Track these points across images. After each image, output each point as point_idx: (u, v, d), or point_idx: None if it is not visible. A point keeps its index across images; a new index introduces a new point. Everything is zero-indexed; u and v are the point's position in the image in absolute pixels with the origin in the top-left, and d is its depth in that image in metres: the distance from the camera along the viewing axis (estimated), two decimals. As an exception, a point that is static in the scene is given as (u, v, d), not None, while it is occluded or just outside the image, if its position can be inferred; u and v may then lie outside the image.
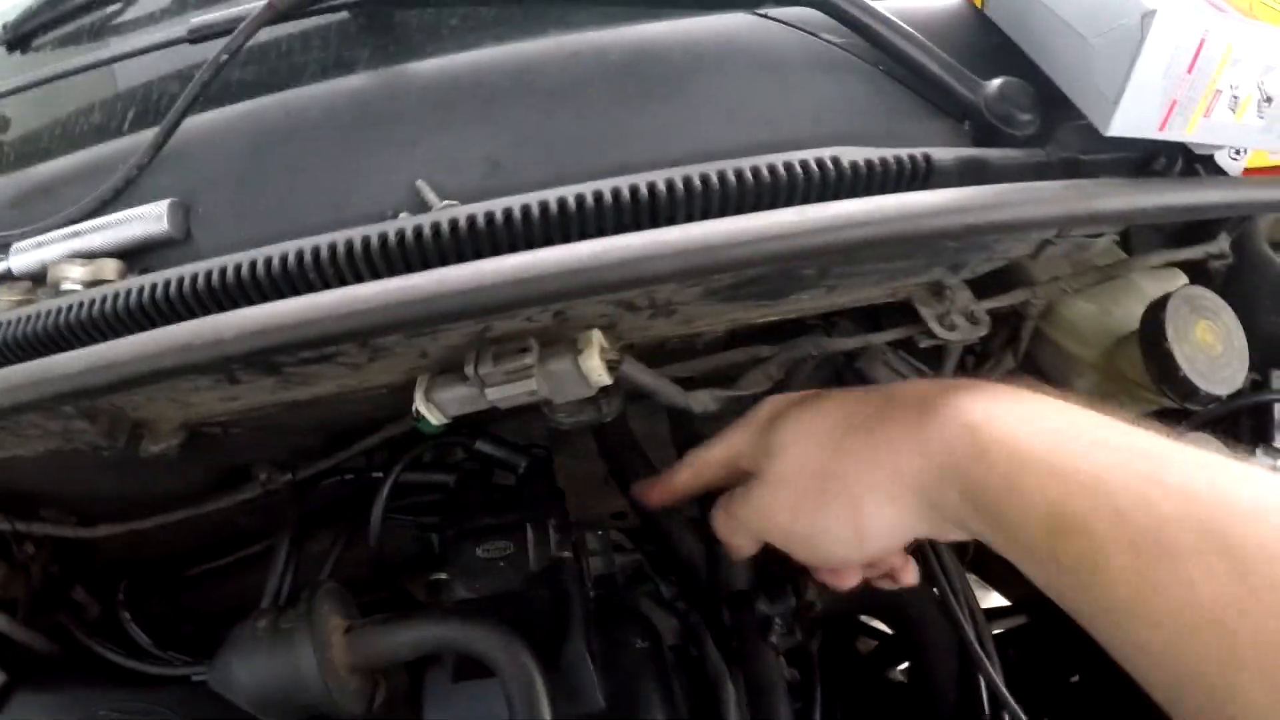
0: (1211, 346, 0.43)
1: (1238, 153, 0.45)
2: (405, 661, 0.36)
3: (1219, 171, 0.45)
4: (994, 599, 0.75)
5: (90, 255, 0.43)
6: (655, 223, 0.33)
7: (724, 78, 0.40)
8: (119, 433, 0.42)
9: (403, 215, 0.36)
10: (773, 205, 0.34)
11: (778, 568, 0.46)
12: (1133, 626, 0.25)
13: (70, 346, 0.39)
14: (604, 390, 0.35)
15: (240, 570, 0.57)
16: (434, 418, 0.35)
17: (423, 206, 0.37)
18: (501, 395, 0.33)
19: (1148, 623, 0.24)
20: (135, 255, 0.43)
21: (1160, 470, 0.26)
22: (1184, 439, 0.46)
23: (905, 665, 0.76)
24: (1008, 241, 0.40)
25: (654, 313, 0.36)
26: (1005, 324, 0.47)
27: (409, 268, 0.33)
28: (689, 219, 0.33)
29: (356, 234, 0.33)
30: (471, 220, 0.32)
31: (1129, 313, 0.47)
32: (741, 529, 0.39)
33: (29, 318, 0.40)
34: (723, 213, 0.33)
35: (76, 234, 0.44)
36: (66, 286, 0.43)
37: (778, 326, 0.44)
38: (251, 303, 0.35)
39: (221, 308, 0.35)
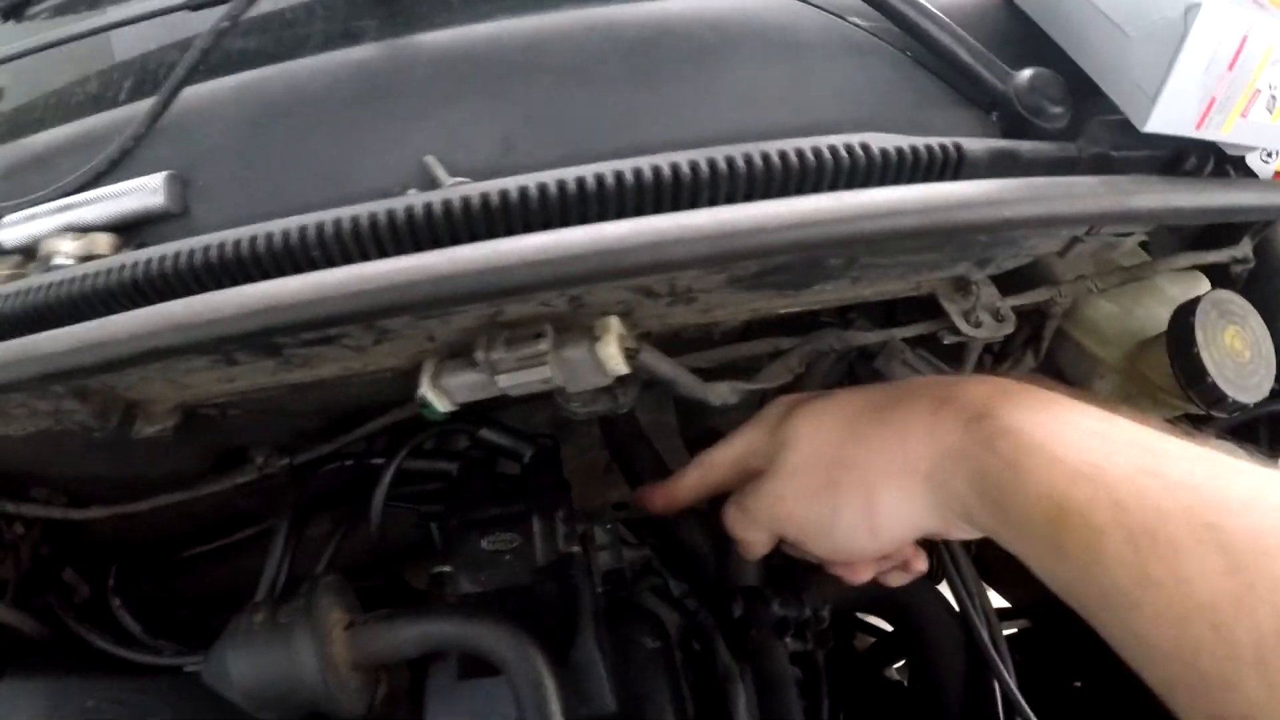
0: (1240, 353, 0.42)
1: (1269, 155, 0.44)
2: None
3: (1250, 174, 0.44)
4: (996, 602, 0.75)
5: (83, 229, 0.42)
6: (678, 206, 0.32)
7: (746, 58, 0.38)
8: (111, 414, 0.40)
9: (411, 192, 0.35)
10: (800, 191, 0.33)
11: (788, 576, 0.45)
12: (1131, 618, 0.25)
13: (61, 323, 0.37)
14: (620, 379, 0.34)
15: (235, 554, 0.56)
16: (440, 404, 0.34)
17: (432, 184, 0.35)
18: (513, 382, 0.32)
19: (1146, 615, 0.24)
20: (130, 230, 0.41)
21: (1160, 464, 0.26)
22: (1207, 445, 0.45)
23: (901, 663, 0.76)
24: (1038, 237, 0.39)
25: (673, 300, 0.35)
26: (1027, 322, 0.46)
27: (419, 246, 0.31)
28: (713, 203, 0.32)
29: (364, 210, 0.32)
30: (486, 198, 0.30)
31: (1151, 314, 0.46)
32: (755, 523, 0.39)
33: (17, 293, 0.38)
34: (748, 197, 0.32)
35: (69, 207, 0.42)
36: (58, 261, 0.42)
37: (794, 319, 0.42)
38: (252, 281, 0.33)
39: (221, 285, 0.34)
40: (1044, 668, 0.65)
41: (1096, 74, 0.40)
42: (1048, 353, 0.48)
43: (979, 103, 0.41)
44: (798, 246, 0.28)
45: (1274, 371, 0.43)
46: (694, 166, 0.32)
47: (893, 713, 0.60)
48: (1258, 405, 0.43)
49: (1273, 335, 0.49)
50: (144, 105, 0.43)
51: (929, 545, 0.45)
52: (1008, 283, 0.43)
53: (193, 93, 0.41)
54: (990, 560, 0.64)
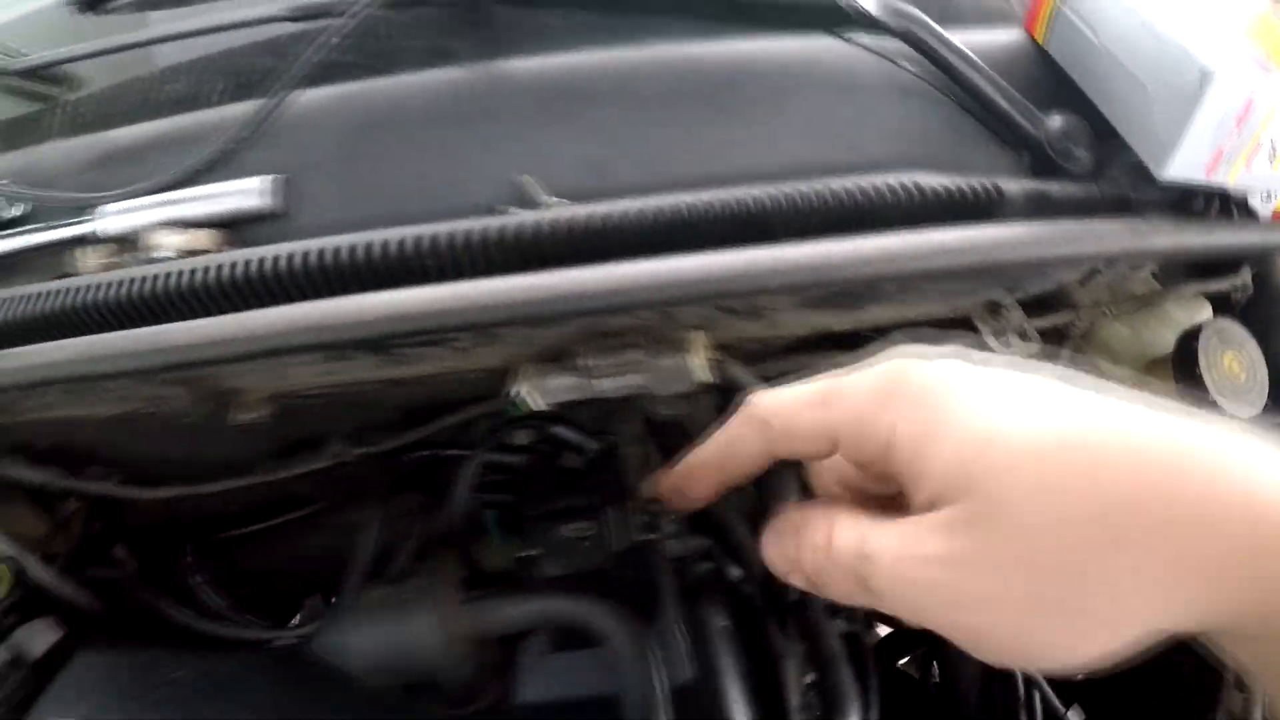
0: (1237, 375, 0.49)
1: (1269, 196, 0.52)
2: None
3: (1250, 213, 0.51)
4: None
5: (185, 224, 0.47)
6: (758, 235, 0.38)
7: (810, 97, 0.45)
8: (207, 401, 0.46)
9: (513, 209, 0.41)
10: (861, 223, 0.39)
11: None
12: None
13: (172, 315, 0.42)
14: (700, 386, 0.40)
15: (283, 534, 0.61)
16: (535, 403, 0.40)
17: (528, 202, 0.41)
18: (610, 386, 0.38)
19: None
20: (229, 227, 0.46)
21: None
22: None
23: (908, 659, 0.82)
24: (1065, 270, 0.46)
25: (747, 317, 0.41)
26: (1048, 341, 0.53)
27: (528, 262, 0.37)
28: (787, 232, 0.38)
29: (478, 224, 0.38)
30: (596, 219, 0.36)
31: (1159, 337, 0.53)
32: (889, 597, 0.24)
33: (125, 281, 0.43)
34: (819, 228, 0.38)
35: (171, 202, 0.47)
36: (160, 254, 0.47)
37: (842, 336, 0.49)
38: (366, 285, 0.39)
39: (338, 288, 0.39)
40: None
41: (1119, 123, 0.47)
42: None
43: (1012, 143, 0.48)
44: (876, 279, 0.34)
45: (1266, 391, 0.51)
46: (774, 200, 0.38)
47: (907, 706, 0.66)
48: (1251, 420, 0.50)
49: (1267, 354, 0.56)
50: (236, 108, 0.48)
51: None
52: (1033, 306, 0.50)
53: (293, 99, 0.46)
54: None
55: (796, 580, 0.26)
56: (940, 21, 0.47)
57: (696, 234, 0.37)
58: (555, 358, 0.39)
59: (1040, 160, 0.48)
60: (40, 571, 0.58)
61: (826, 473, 0.29)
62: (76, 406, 0.51)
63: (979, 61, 0.46)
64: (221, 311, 0.39)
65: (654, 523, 0.43)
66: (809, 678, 0.43)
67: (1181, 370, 0.49)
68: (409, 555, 0.47)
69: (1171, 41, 0.43)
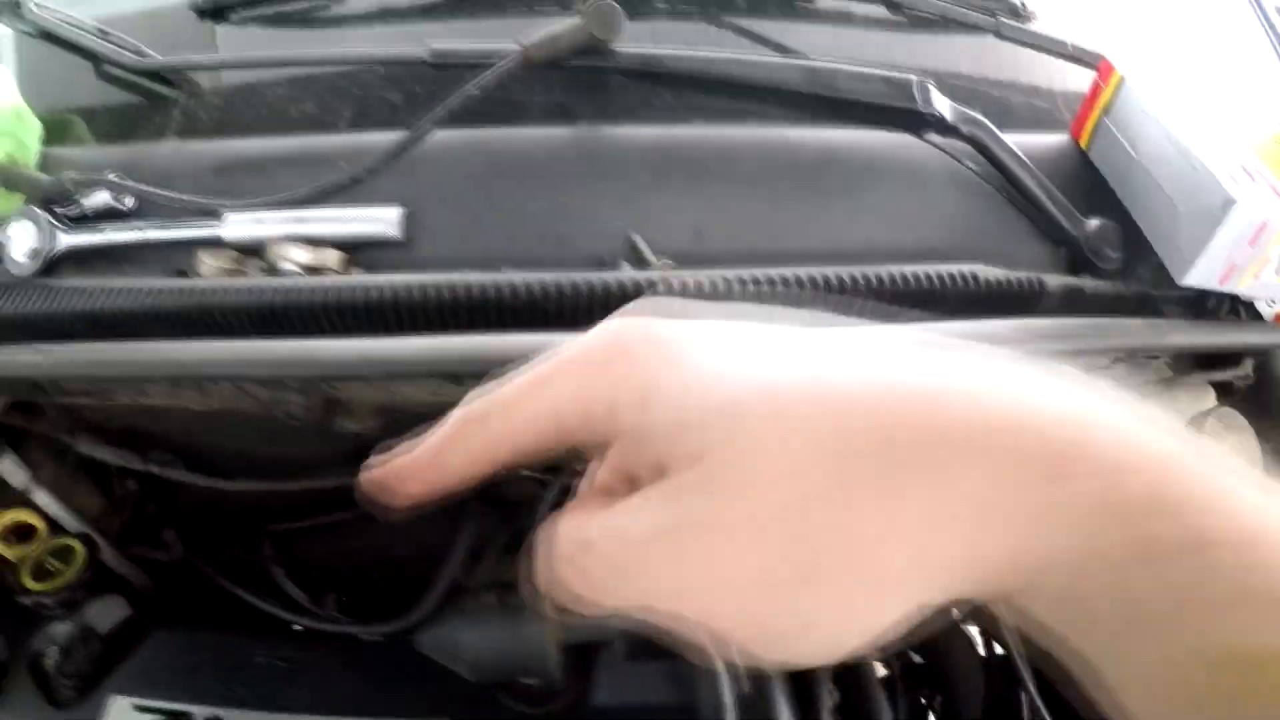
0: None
1: (1273, 302, 0.61)
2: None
3: (1257, 315, 0.60)
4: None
5: (313, 241, 0.53)
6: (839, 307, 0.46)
7: (886, 186, 0.53)
8: (319, 408, 0.52)
9: (624, 265, 0.48)
10: (927, 304, 0.47)
11: None
12: None
13: (296, 327, 0.49)
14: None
15: (339, 531, 0.67)
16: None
17: (638, 258, 0.49)
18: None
19: None
20: (353, 249, 0.53)
21: None
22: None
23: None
24: (1090, 357, 0.54)
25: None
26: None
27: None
28: (861, 309, 0.46)
29: (599, 276, 0.45)
30: (702, 283, 0.44)
31: (1167, 421, 0.62)
32: (618, 587, 0.21)
33: (257, 289, 0.49)
34: (891, 303, 0.46)
35: (301, 219, 0.54)
36: (285, 266, 0.53)
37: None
38: (490, 318, 0.46)
39: (463, 320, 0.46)
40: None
41: (1147, 229, 0.56)
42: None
43: (1053, 239, 0.56)
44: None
45: (1258, 477, 0.59)
46: (852, 278, 0.46)
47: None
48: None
49: (1265, 436, 0.65)
50: (367, 138, 0.55)
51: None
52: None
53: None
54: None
55: (554, 596, 0.22)
56: (998, 124, 0.56)
57: (788, 301, 0.44)
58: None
59: (1076, 256, 0.56)
60: (108, 550, 0.64)
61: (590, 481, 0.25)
62: (174, 398, 0.57)
63: (1033, 167, 0.55)
64: (360, 331, 0.46)
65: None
66: (835, 698, 0.51)
67: (1185, 452, 0.58)
68: (491, 564, 0.53)
69: (1202, 168, 0.51)
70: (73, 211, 0.59)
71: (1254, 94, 0.67)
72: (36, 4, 0.67)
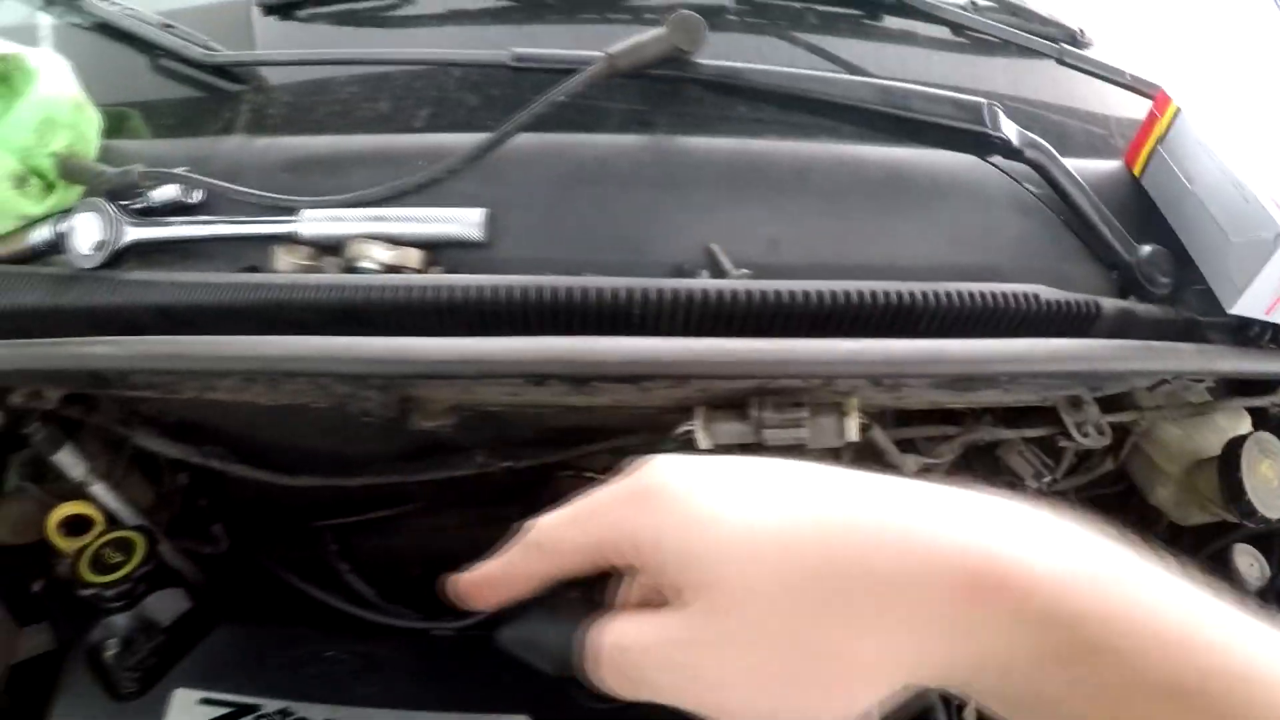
0: (1270, 481, 0.62)
1: (1312, 331, 0.66)
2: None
3: (1297, 345, 0.65)
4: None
5: (393, 240, 0.56)
6: (907, 323, 0.50)
7: (951, 206, 0.57)
8: (396, 406, 0.56)
9: (703, 273, 0.52)
10: (989, 322, 0.52)
11: None
12: None
13: (376, 325, 0.52)
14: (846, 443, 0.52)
15: (385, 528, 0.70)
16: (704, 443, 0.51)
17: (716, 268, 0.53)
18: (774, 437, 0.50)
19: None
20: (433, 249, 0.56)
21: None
22: (1233, 550, 0.66)
23: None
24: (1140, 379, 0.59)
25: (887, 390, 0.53)
26: (1114, 435, 0.66)
27: (714, 324, 0.48)
28: (930, 324, 0.51)
29: (683, 284, 0.48)
30: (782, 294, 0.48)
31: (1208, 441, 0.67)
32: (649, 688, 0.29)
33: (340, 286, 0.52)
34: (955, 323, 0.51)
35: (381, 218, 0.57)
36: (364, 264, 0.56)
37: (943, 412, 0.61)
38: (575, 322, 0.49)
39: (546, 323, 0.50)
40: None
41: (1198, 257, 0.61)
42: (1121, 461, 0.68)
43: (1107, 263, 0.61)
44: (1002, 375, 0.47)
45: (1292, 498, 0.64)
46: (925, 295, 0.50)
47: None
48: (1278, 521, 0.64)
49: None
50: (439, 137, 0.58)
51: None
52: (1106, 404, 0.63)
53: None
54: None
55: (601, 684, 0.30)
56: (1056, 148, 0.60)
57: (854, 318, 0.48)
58: (730, 406, 0.51)
59: (1128, 280, 0.61)
60: (164, 543, 0.67)
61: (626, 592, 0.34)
62: (242, 393, 0.60)
63: (1090, 192, 0.59)
64: (444, 331, 0.50)
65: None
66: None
67: (1225, 471, 0.63)
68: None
69: (1254, 200, 0.56)
70: (138, 204, 0.62)
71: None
72: (96, -5, 0.70)
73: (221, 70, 0.67)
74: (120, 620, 0.62)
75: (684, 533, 0.28)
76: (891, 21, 0.66)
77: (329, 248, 0.57)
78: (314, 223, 0.57)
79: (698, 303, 0.48)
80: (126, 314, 0.56)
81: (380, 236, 0.56)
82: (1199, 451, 0.66)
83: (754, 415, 0.49)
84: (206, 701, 0.57)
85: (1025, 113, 0.63)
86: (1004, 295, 0.52)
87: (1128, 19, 0.77)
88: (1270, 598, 0.68)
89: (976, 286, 0.52)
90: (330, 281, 0.52)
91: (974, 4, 0.67)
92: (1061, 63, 0.65)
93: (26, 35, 0.74)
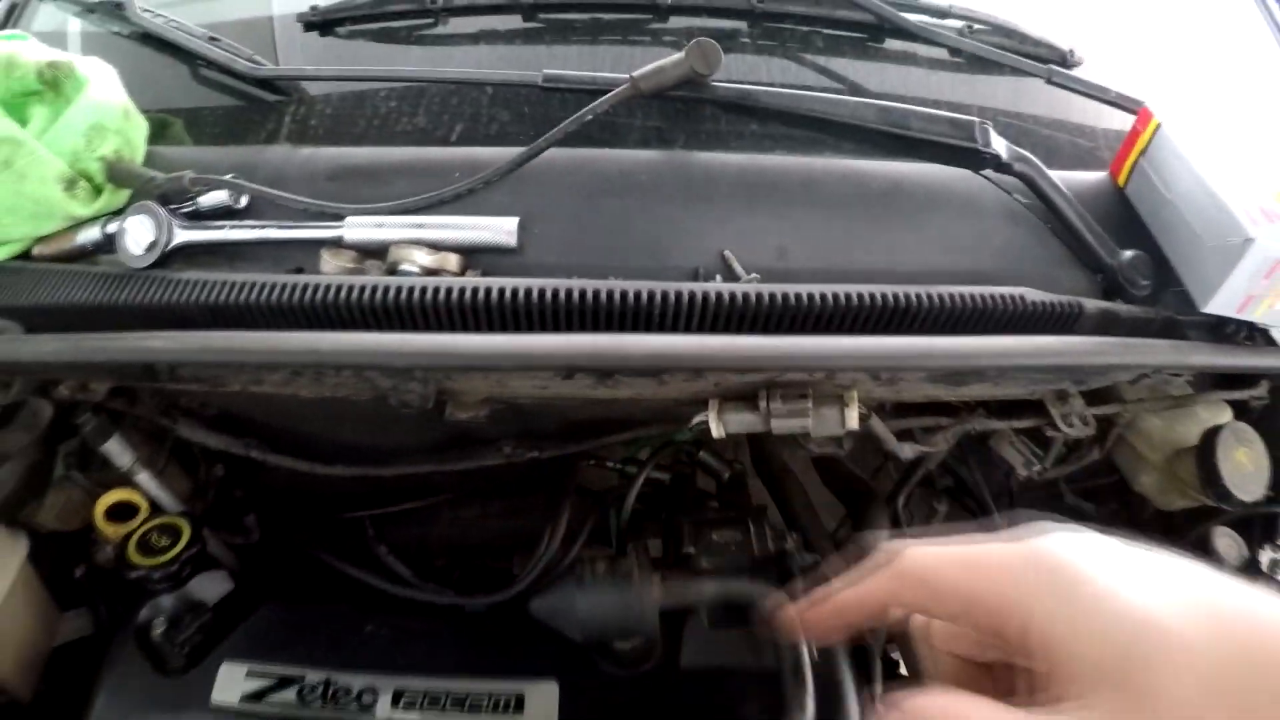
0: (1245, 466, 0.70)
1: (1286, 329, 0.73)
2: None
3: (1272, 341, 0.73)
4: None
5: (433, 246, 0.63)
6: (903, 322, 0.57)
7: (945, 215, 0.65)
8: (434, 397, 0.63)
9: (718, 278, 0.60)
10: (979, 322, 0.59)
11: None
12: None
13: (416, 324, 0.59)
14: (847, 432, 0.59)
15: (416, 518, 0.78)
16: (717, 432, 0.58)
17: (729, 273, 0.60)
18: (781, 426, 0.57)
19: None
20: (469, 254, 0.63)
21: None
22: (1213, 532, 0.74)
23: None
24: (1122, 373, 0.67)
25: (885, 384, 0.60)
26: (1098, 427, 0.74)
27: (727, 324, 0.55)
28: (924, 323, 0.58)
29: (700, 287, 0.56)
30: (790, 296, 0.55)
31: (1189, 432, 0.74)
32: None
33: (384, 288, 0.59)
34: (948, 322, 0.58)
35: (421, 225, 0.64)
36: (406, 267, 0.63)
37: (937, 404, 0.69)
38: (599, 324, 0.56)
39: (572, 321, 0.57)
40: None
41: (1174, 261, 0.68)
42: (1107, 450, 0.76)
43: (1091, 267, 0.69)
44: (991, 369, 0.54)
45: (1267, 482, 0.72)
46: (917, 296, 0.58)
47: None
48: (1254, 505, 0.72)
49: (1276, 455, 0.78)
50: (480, 151, 0.65)
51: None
52: (1091, 397, 0.71)
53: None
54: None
55: None
56: (1045, 161, 0.68)
57: (855, 318, 0.56)
58: (741, 398, 0.58)
59: (1111, 283, 0.68)
60: (204, 530, 0.74)
61: (939, 632, 0.34)
62: (286, 386, 0.67)
63: (1075, 202, 0.67)
64: (481, 328, 0.57)
65: (784, 536, 0.62)
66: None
67: (1203, 459, 0.70)
68: (583, 542, 0.64)
69: (1225, 208, 0.64)
70: (186, 208, 0.69)
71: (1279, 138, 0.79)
72: (143, 8, 0.77)
73: (265, 83, 0.74)
74: (167, 600, 0.68)
75: (1105, 635, 0.27)
76: (893, 44, 0.74)
77: (372, 252, 0.64)
78: (358, 228, 0.64)
79: (712, 304, 0.55)
80: (179, 310, 0.62)
81: (421, 242, 0.63)
82: (1180, 441, 0.74)
83: (763, 407, 0.57)
84: (252, 674, 0.64)
85: (1018, 128, 0.70)
86: (992, 296, 0.59)
87: (1116, 37, 0.85)
88: (1250, 577, 0.75)
89: (967, 289, 0.59)
90: (379, 282, 0.59)
91: (970, 27, 0.74)
92: (1051, 82, 0.72)
93: (72, 43, 0.81)
